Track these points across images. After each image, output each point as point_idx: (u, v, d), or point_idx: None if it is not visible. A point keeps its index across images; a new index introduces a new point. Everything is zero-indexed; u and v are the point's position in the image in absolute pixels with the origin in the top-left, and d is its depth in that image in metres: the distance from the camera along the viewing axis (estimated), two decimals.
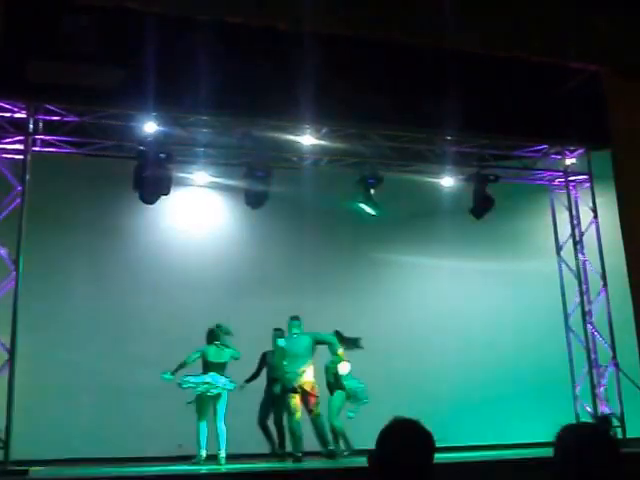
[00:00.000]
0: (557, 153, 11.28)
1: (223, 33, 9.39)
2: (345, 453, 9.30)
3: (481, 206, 10.52)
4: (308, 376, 9.04)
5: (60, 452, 9.70)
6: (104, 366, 10.49)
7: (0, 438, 8.29)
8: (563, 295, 10.97)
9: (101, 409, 10.40)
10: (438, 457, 2.32)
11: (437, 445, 2.32)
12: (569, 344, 10.77)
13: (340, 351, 9.21)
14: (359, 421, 9.20)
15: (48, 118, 9.57)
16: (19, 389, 8.56)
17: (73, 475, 8.17)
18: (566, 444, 2.34)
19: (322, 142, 10.23)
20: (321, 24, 9.13)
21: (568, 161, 11.20)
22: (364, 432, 8.63)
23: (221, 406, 8.89)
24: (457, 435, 9.96)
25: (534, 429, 10.07)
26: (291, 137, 10.15)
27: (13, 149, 9.37)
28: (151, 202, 9.52)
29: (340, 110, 9.71)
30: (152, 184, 9.39)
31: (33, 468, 8.24)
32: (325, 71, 9.30)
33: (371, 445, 2.39)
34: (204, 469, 8.36)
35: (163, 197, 9.73)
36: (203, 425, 8.88)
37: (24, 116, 9.34)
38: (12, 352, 8.55)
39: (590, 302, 10.74)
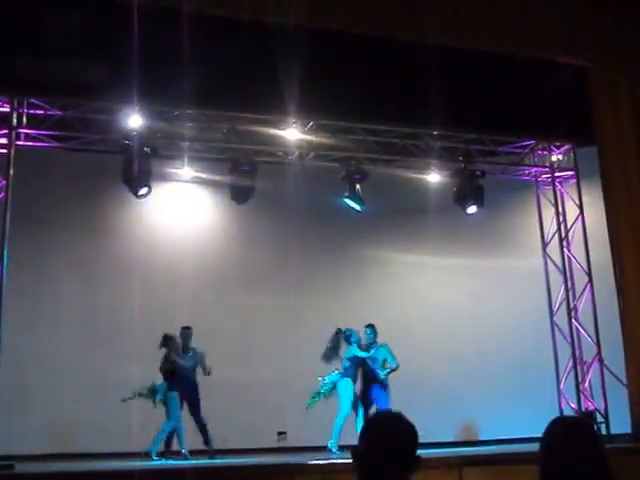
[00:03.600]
0: (543, 149, 11.30)
1: (208, 27, 9.34)
2: None
3: (469, 202, 10.51)
4: None
5: (47, 447, 9.68)
6: (90, 362, 10.44)
7: None
8: (549, 291, 10.98)
9: (87, 405, 10.34)
10: (422, 452, 2.30)
11: (421, 440, 2.30)
12: (554, 340, 10.78)
13: None
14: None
15: (32, 112, 9.50)
16: (4, 386, 8.53)
17: (59, 469, 8.13)
18: (551, 437, 2.35)
19: (308, 137, 10.20)
20: (306, 18, 9.08)
21: (554, 157, 11.22)
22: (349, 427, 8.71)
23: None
24: (441, 430, 9.97)
25: (518, 424, 10.12)
26: (276, 131, 10.12)
27: None
28: (139, 195, 9.52)
29: (326, 105, 9.70)
30: (139, 178, 9.39)
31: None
32: (311, 65, 9.26)
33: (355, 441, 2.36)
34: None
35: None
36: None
37: (7, 110, 9.27)
38: None
39: (575, 298, 10.75)
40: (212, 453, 9.28)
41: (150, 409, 9.22)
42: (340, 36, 9.88)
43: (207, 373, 9.43)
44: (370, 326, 9.64)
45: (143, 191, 9.57)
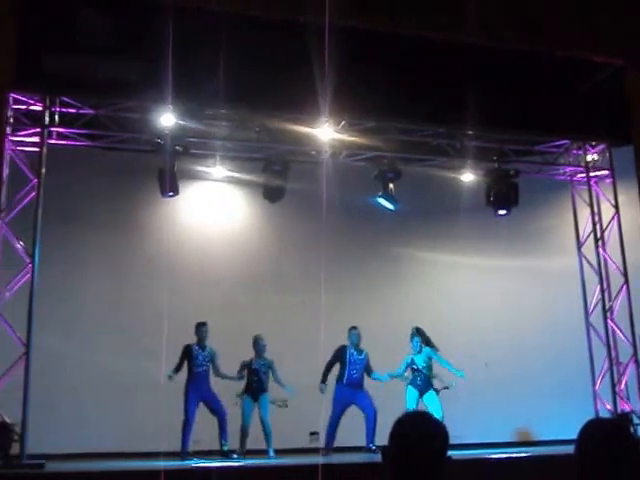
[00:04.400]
0: (579, 148, 11.14)
1: (242, 26, 9.31)
2: None
3: (503, 202, 10.40)
4: None
5: (76, 446, 9.68)
6: (119, 361, 10.44)
7: (16, 432, 8.27)
8: (584, 291, 10.86)
9: (116, 404, 10.34)
10: (454, 453, 2.29)
11: (453, 442, 2.29)
12: (589, 341, 10.67)
13: None
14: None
15: (64, 110, 9.52)
16: (34, 383, 8.53)
17: (88, 469, 8.14)
18: (586, 439, 2.32)
19: (340, 136, 10.11)
20: (341, 17, 9.01)
21: (590, 157, 11.06)
22: (380, 428, 8.65)
23: None
24: (474, 432, 9.87)
25: (553, 427, 10.00)
26: (309, 130, 10.04)
27: (29, 142, 9.32)
28: (168, 194, 9.51)
29: (359, 103, 9.61)
30: (173, 177, 9.39)
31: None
32: (344, 64, 9.19)
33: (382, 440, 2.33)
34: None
35: (180, 190, 9.72)
36: None
37: (40, 108, 9.28)
38: (28, 346, 8.52)
39: (611, 298, 10.62)
40: (226, 454, 9.20)
41: (178, 408, 9.18)
42: (373, 35, 9.82)
43: (217, 373, 9.45)
44: (354, 328, 9.85)
45: (171, 192, 9.56)
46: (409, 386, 9.72)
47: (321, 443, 9.90)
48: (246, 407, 9.56)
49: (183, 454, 9.06)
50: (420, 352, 9.77)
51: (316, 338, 9.97)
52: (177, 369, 9.35)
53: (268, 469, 8.32)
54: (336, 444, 9.64)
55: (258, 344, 9.76)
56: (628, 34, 10.14)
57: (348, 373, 9.74)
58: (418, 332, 9.86)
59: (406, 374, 9.77)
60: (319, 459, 8.71)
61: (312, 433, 10.51)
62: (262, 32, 9.39)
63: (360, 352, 9.82)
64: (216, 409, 9.35)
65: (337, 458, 9.14)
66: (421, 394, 9.69)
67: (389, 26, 9.60)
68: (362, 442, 9.47)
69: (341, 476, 7.76)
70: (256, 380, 9.64)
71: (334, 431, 9.60)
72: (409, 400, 9.62)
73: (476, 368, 10.67)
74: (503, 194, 10.48)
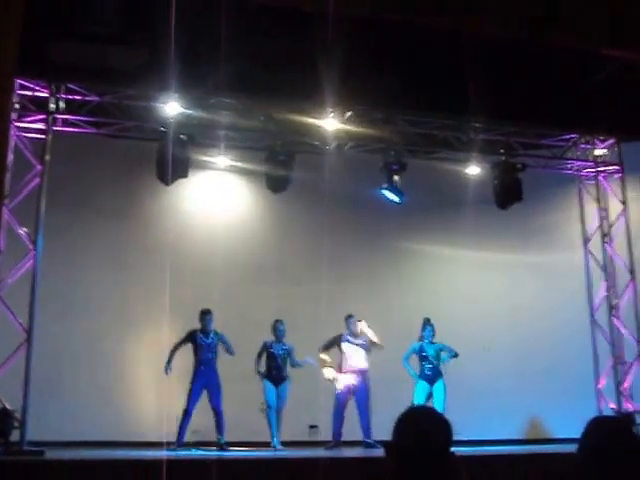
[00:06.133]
0: (587, 143, 11.03)
1: (247, 14, 9.22)
2: None
3: (508, 196, 10.30)
4: None
5: (77, 434, 9.69)
6: (121, 349, 10.45)
7: (16, 418, 8.29)
8: (589, 288, 10.77)
9: (117, 392, 10.36)
10: (457, 450, 2.25)
11: (455, 438, 2.25)
12: (594, 338, 10.58)
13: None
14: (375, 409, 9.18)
15: (70, 97, 9.51)
16: (35, 370, 8.55)
17: (88, 457, 8.14)
18: (588, 437, 2.29)
19: (346, 127, 10.04)
20: (347, 6, 8.91)
21: (598, 151, 10.94)
22: (382, 420, 8.61)
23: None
24: (474, 428, 9.80)
25: (556, 424, 9.93)
26: (314, 121, 9.97)
27: (34, 128, 9.32)
28: (167, 183, 9.44)
29: (365, 94, 9.52)
30: (171, 166, 9.31)
31: None
32: (351, 54, 9.09)
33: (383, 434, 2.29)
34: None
35: (183, 180, 9.68)
36: None
37: (46, 95, 9.28)
38: (29, 333, 8.54)
39: (617, 296, 10.51)
40: (221, 446, 9.13)
41: (180, 397, 9.17)
42: (380, 24, 9.71)
43: (231, 353, 9.35)
44: (351, 316, 9.84)
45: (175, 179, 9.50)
46: (420, 380, 9.66)
47: (321, 436, 9.89)
48: (267, 389, 9.51)
49: (178, 443, 8.98)
50: (432, 342, 9.73)
51: (319, 328, 9.95)
52: (173, 350, 9.24)
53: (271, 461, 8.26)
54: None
55: (277, 329, 9.72)
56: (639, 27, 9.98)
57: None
58: (430, 322, 9.81)
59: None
60: (323, 452, 8.73)
61: (312, 427, 10.49)
62: (268, 21, 9.32)
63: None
64: (214, 405, 9.24)
65: (340, 452, 9.11)
66: (431, 384, 9.63)
67: (397, 16, 9.48)
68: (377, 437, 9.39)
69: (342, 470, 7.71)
70: (275, 366, 9.59)
71: (340, 423, 9.53)
72: (417, 395, 9.55)
73: (478, 363, 10.61)
74: (509, 188, 10.38)
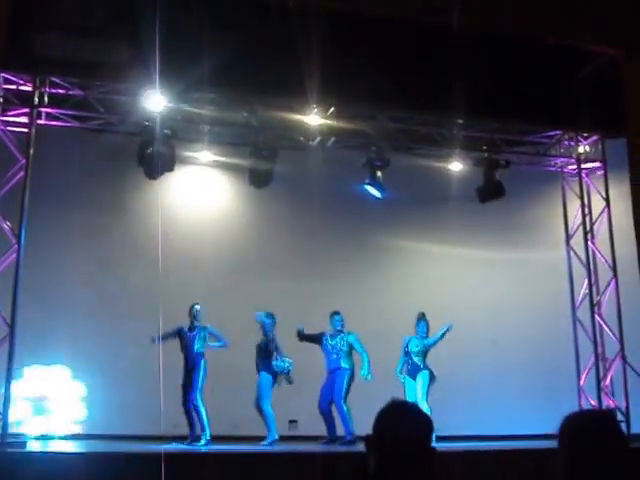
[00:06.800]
0: (570, 139, 11.02)
1: (230, 9, 9.25)
2: None
3: (489, 191, 10.34)
4: None
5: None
6: (104, 345, 10.45)
7: None
8: (571, 285, 10.77)
9: (99, 386, 10.38)
10: (439, 445, 2.29)
11: (437, 434, 2.30)
12: (575, 335, 10.58)
13: None
14: (356, 405, 9.15)
15: (54, 91, 9.49)
16: (18, 363, 8.57)
17: (69, 450, 8.18)
18: (568, 429, 2.28)
19: (329, 122, 10.03)
20: (330, 1, 8.95)
21: (581, 148, 10.94)
22: (362, 416, 8.64)
23: None
24: (456, 424, 9.83)
25: (536, 421, 9.94)
26: (297, 116, 9.98)
27: (17, 122, 9.32)
28: (154, 177, 9.46)
29: (348, 90, 9.53)
30: (156, 161, 9.33)
31: None
32: (333, 50, 9.14)
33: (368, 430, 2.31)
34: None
35: (167, 174, 9.69)
36: None
37: (29, 89, 9.27)
38: (12, 326, 8.55)
39: (599, 293, 10.53)
40: (191, 440, 9.13)
41: (172, 390, 9.16)
42: (363, 20, 9.74)
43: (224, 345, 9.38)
44: (337, 313, 9.73)
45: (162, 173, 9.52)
46: (406, 377, 9.65)
47: (300, 431, 9.92)
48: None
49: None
50: (425, 337, 9.70)
51: (299, 324, 9.96)
52: (162, 337, 9.10)
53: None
54: (316, 433, 9.62)
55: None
56: (623, 23, 10.03)
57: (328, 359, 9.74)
58: (424, 317, 9.78)
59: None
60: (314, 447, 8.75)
61: (291, 421, 10.52)
62: (250, 16, 9.34)
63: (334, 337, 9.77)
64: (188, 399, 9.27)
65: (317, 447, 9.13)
66: (414, 379, 9.58)
67: (379, 11, 9.51)
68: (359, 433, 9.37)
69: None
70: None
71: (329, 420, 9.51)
72: (408, 393, 9.51)
73: (456, 358, 10.63)
74: (495, 186, 10.41)
